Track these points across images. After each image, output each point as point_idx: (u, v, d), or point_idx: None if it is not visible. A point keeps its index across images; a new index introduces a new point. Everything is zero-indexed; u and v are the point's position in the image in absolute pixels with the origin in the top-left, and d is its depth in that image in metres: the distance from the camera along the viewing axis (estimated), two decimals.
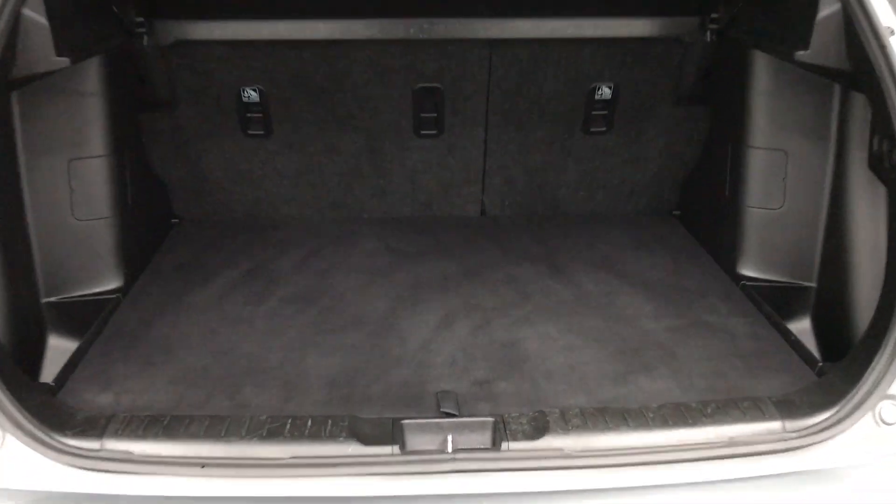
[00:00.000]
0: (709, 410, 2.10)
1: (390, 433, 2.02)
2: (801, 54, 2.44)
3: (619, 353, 2.53)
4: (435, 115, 3.37)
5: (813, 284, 2.78)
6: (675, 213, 3.65)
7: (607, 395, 2.30)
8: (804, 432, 2.03)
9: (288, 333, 2.66)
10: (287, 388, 2.35)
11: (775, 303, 2.78)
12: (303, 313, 2.79)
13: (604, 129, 3.45)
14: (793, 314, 2.76)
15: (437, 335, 2.65)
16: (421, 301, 2.88)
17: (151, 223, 3.31)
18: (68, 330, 2.62)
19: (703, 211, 3.41)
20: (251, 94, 3.27)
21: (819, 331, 2.73)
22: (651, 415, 2.09)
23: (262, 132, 3.37)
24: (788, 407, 2.11)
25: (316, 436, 2.00)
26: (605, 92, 3.35)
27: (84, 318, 2.68)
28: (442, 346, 2.58)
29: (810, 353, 2.51)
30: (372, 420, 2.08)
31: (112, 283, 2.86)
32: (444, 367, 2.46)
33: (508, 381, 2.38)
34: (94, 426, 2.02)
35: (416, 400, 2.29)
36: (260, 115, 3.33)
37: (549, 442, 1.99)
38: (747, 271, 2.96)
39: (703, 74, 3.31)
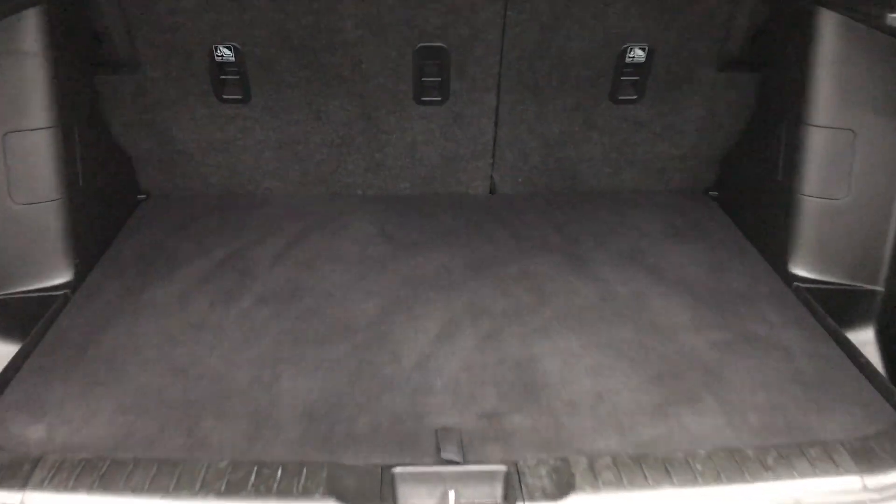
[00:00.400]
0: (769, 461, 1.79)
1: (378, 487, 1.71)
2: (894, 17, 2.03)
3: (656, 377, 2.13)
4: (439, 78, 2.96)
5: (880, 288, 2.46)
6: (711, 193, 3.24)
7: (644, 436, 1.91)
8: (889, 492, 1.71)
9: (261, 344, 2.27)
10: (255, 421, 1.96)
11: (833, 309, 2.41)
12: (280, 317, 2.39)
13: (634, 97, 3.03)
14: (853, 323, 2.41)
15: (438, 349, 2.25)
16: (419, 302, 2.48)
17: (111, 203, 2.93)
18: (8, 332, 2.33)
19: (746, 194, 3.00)
20: (225, 53, 2.87)
21: (886, 344, 2.38)
22: (699, 466, 1.78)
23: (238, 97, 2.98)
24: (867, 457, 1.80)
25: (286, 492, 1.70)
26: (638, 54, 2.91)
27: (27, 318, 2.35)
28: (443, 364, 2.19)
29: (883, 379, 2.12)
30: (356, 468, 1.77)
31: (60, 278, 2.51)
32: (445, 393, 2.07)
33: (523, 413, 1.99)
34: (16, 473, 1.74)
35: (411, 439, 1.90)
36: (236, 76, 2.93)
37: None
38: (801, 271, 2.57)
39: (754, 36, 2.86)
